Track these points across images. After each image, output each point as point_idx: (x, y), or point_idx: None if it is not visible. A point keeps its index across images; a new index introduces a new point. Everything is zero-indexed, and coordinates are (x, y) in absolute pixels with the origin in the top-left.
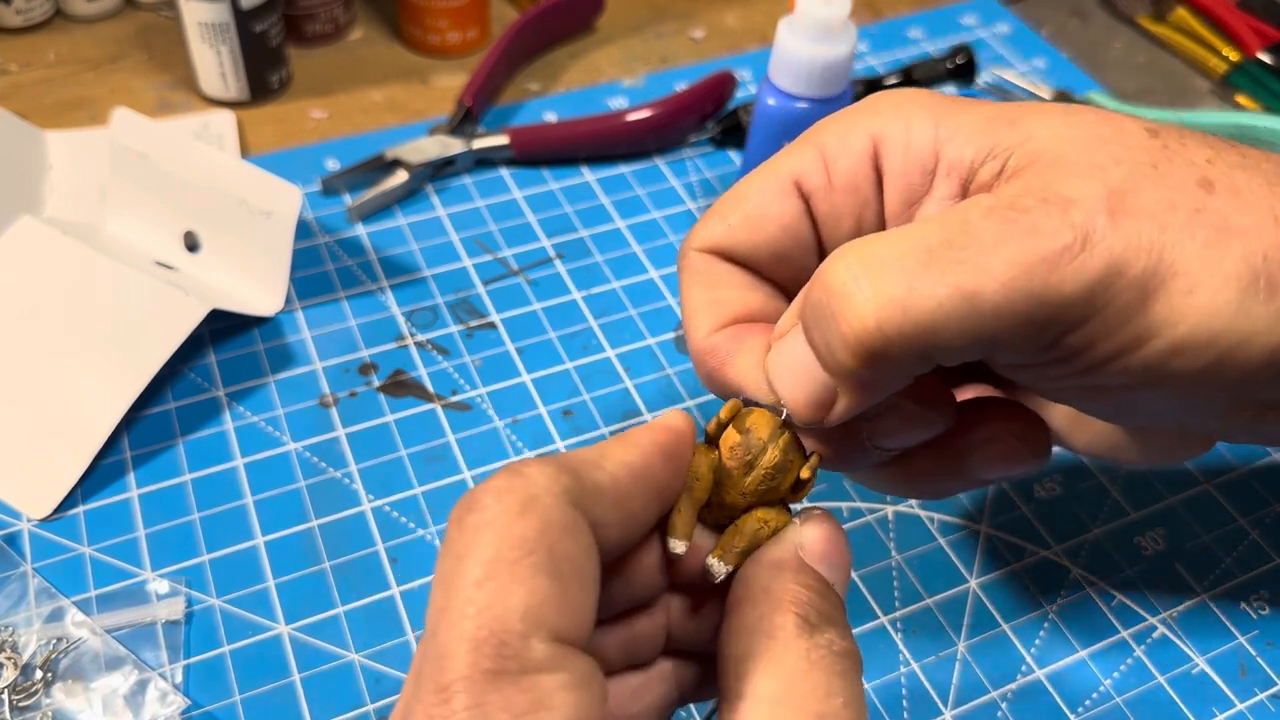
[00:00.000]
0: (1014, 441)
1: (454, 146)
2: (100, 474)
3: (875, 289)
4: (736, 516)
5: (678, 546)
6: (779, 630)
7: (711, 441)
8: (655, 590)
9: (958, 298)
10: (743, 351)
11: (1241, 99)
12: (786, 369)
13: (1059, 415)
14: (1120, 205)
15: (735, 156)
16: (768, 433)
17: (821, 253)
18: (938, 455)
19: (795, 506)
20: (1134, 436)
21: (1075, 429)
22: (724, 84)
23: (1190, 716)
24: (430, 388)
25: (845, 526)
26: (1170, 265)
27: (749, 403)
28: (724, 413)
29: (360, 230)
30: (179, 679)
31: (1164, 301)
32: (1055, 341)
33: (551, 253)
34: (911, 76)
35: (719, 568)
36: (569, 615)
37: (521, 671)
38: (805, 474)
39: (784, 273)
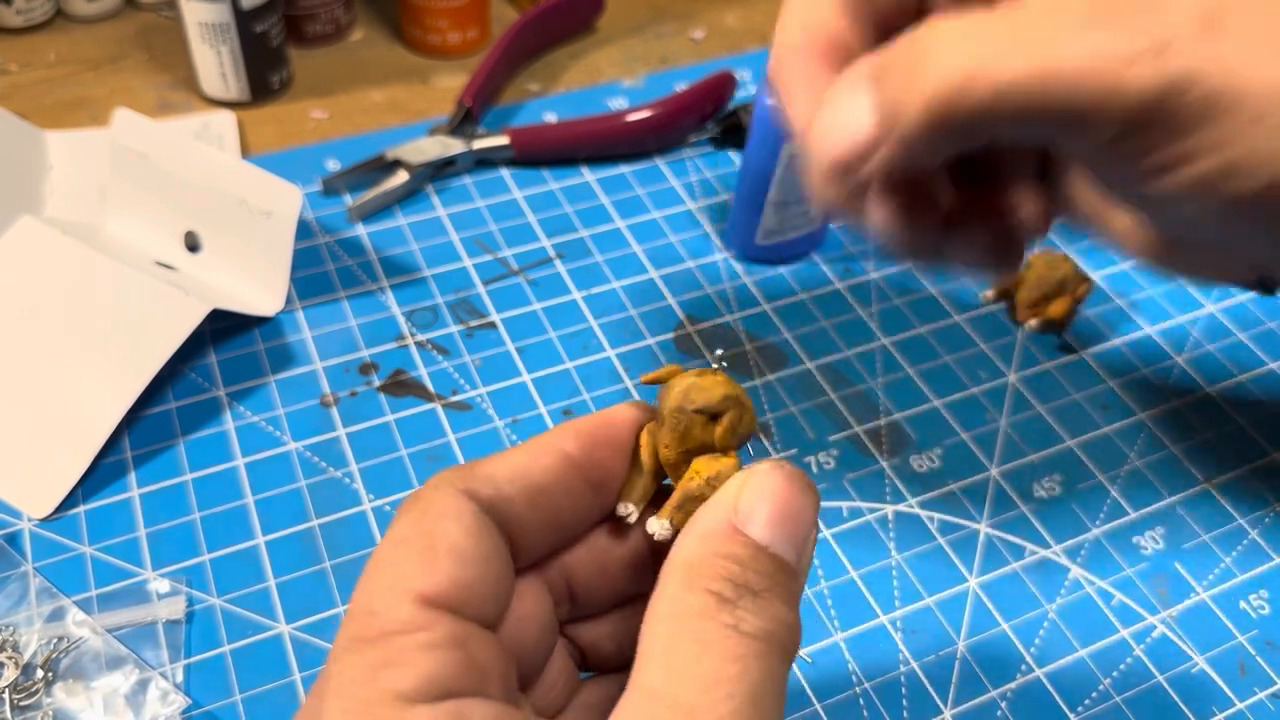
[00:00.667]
0: (983, 250)
1: (454, 147)
2: (101, 474)
3: (961, 53)
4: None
5: (621, 509)
6: (685, 611)
7: None
8: (640, 581)
9: (1032, 74)
10: (806, 86)
11: None
12: (836, 113)
13: (1119, 219)
14: (1212, 22)
15: (735, 157)
16: (679, 381)
17: None
18: (921, 238)
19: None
20: (1181, 249)
21: (1133, 235)
22: (724, 84)
23: (1190, 716)
24: (430, 387)
25: (845, 526)
26: (1243, 87)
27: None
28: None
29: (360, 230)
30: (180, 678)
31: (1228, 123)
32: (1116, 140)
33: (551, 253)
34: None
35: (654, 524)
36: (439, 582)
37: (381, 633)
38: (694, 402)
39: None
